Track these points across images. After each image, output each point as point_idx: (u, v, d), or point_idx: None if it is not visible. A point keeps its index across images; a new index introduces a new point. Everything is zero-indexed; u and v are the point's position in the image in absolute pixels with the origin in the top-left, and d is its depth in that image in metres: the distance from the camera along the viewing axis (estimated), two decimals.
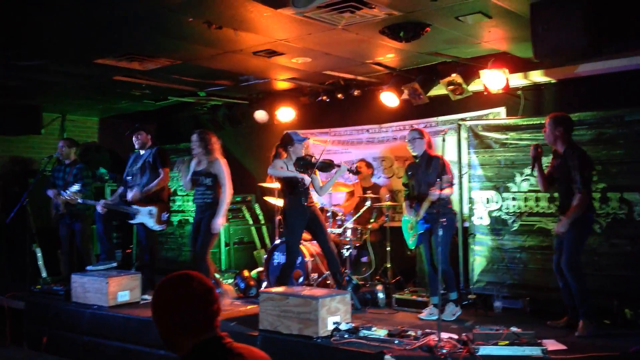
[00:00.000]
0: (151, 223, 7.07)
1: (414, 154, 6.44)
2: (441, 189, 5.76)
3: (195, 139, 6.74)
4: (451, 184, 6.10)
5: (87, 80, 8.09)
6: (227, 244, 9.16)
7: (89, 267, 7.27)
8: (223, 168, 6.70)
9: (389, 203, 7.52)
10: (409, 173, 6.53)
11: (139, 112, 10.50)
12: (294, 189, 6.58)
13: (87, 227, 8.03)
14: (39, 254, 8.26)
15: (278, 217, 8.06)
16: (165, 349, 2.29)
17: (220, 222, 6.64)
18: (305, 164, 6.62)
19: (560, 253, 5.68)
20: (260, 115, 9.04)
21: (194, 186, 6.83)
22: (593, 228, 5.93)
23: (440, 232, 5.49)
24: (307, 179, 6.52)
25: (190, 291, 2.20)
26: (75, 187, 7.26)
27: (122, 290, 6.85)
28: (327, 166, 6.66)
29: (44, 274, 8.18)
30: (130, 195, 7.09)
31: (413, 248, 6.56)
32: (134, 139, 7.31)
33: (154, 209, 7.06)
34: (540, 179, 5.91)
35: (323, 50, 6.64)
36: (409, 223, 6.44)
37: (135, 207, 7.07)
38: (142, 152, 7.31)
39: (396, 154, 8.41)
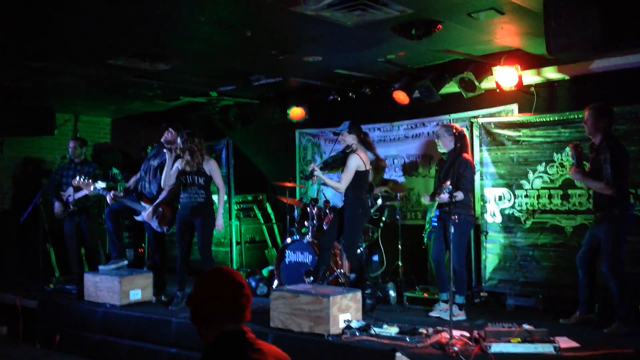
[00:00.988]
0: (155, 224, 7.03)
1: (441, 151, 6.39)
2: (449, 193, 5.72)
3: (184, 140, 6.65)
4: (461, 188, 5.92)
5: (99, 81, 8.13)
6: (238, 243, 9.16)
7: (100, 267, 7.28)
8: (216, 168, 6.78)
9: (399, 203, 7.49)
10: (437, 168, 6.53)
11: (150, 112, 10.55)
12: None
13: (95, 225, 8.04)
14: (52, 254, 8.30)
15: (289, 216, 8.07)
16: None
17: (221, 222, 6.77)
18: None
19: (588, 247, 5.62)
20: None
21: (185, 186, 6.75)
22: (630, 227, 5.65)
23: (452, 230, 5.46)
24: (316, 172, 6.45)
25: (222, 284, 2.42)
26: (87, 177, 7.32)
27: (134, 289, 6.88)
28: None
29: (56, 273, 8.22)
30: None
31: (425, 241, 6.52)
32: (165, 133, 7.05)
33: (160, 210, 7.04)
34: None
35: (334, 48, 6.63)
36: (427, 217, 6.43)
37: (143, 204, 7.06)
38: (164, 150, 7.10)
39: (408, 152, 8.37)
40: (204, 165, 6.69)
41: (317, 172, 6.33)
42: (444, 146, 6.33)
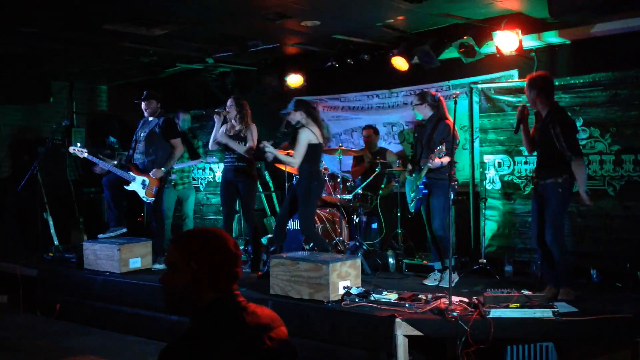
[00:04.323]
0: (142, 193, 7.02)
1: (418, 118, 6.36)
2: (440, 158, 5.67)
3: (232, 104, 6.73)
4: (447, 153, 5.75)
5: (95, 48, 8.02)
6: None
7: (99, 235, 7.28)
8: (255, 134, 6.73)
9: (399, 169, 7.46)
10: (415, 135, 6.43)
11: (147, 79, 10.44)
12: None
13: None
14: (51, 222, 8.29)
15: (288, 184, 8.03)
16: (174, 309, 2.29)
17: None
18: None
19: (539, 222, 5.38)
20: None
21: (226, 150, 6.80)
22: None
23: (437, 198, 5.39)
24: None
25: (226, 246, 2.22)
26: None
27: (134, 257, 6.90)
28: None
29: (56, 242, 8.23)
30: (154, 172, 7.01)
31: (413, 212, 6.46)
32: (142, 105, 7.22)
33: (147, 181, 7.00)
34: (526, 140, 5.57)
35: (332, 12, 6.53)
36: (411, 185, 6.37)
37: (131, 174, 7.03)
38: (150, 119, 7.22)
39: (407, 119, 8.32)
40: (245, 130, 6.68)
41: (269, 149, 6.27)
42: (421, 114, 6.25)
